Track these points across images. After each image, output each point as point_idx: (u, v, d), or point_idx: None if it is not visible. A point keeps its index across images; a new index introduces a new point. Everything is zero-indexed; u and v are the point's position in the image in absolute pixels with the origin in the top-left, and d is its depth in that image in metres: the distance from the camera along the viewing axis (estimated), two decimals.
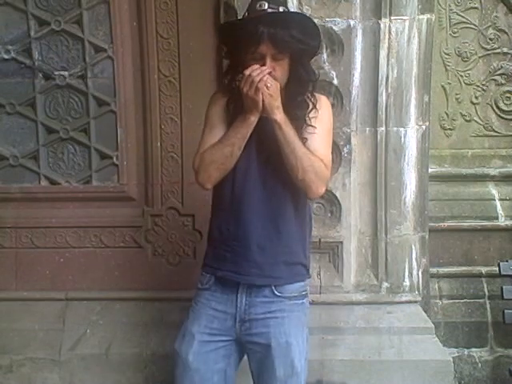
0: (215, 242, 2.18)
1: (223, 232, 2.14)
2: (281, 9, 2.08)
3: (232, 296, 2.12)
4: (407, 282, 2.97)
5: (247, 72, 1.98)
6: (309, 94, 2.14)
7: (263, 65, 2.01)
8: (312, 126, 2.10)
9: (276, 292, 2.11)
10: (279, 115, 2.02)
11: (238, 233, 2.11)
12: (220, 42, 2.17)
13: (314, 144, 2.09)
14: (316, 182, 2.07)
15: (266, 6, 2.05)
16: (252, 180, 2.10)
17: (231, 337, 2.13)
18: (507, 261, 3.09)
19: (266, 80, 1.97)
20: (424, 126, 2.96)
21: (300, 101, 2.11)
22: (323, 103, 2.18)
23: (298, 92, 2.12)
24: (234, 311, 2.11)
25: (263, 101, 1.98)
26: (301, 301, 2.17)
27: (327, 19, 2.77)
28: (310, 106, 2.13)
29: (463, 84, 3.52)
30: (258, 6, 2.06)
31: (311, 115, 2.12)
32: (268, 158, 2.10)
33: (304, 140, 2.07)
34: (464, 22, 3.48)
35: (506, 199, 3.53)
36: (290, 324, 2.12)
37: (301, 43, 2.03)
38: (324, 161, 2.10)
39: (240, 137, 2.05)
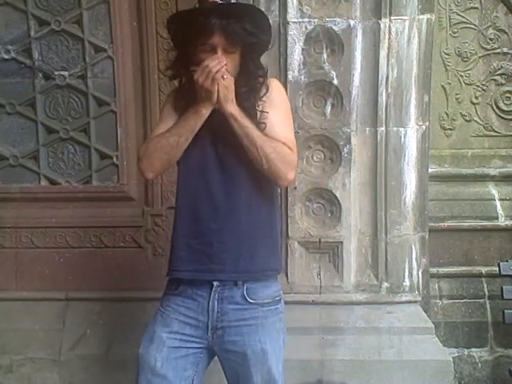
0: (175, 242, 2.10)
1: (180, 231, 2.08)
2: (232, 0, 2.02)
3: (204, 303, 2.05)
4: (407, 282, 2.97)
5: (205, 63, 1.93)
6: (259, 84, 2.06)
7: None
8: (266, 112, 2.03)
9: (248, 299, 2.04)
10: (233, 108, 1.96)
11: (196, 230, 2.04)
12: (169, 34, 2.09)
13: (274, 129, 2.01)
14: (283, 169, 1.99)
15: None
16: (208, 174, 2.03)
17: (203, 344, 2.07)
18: (507, 261, 3.09)
19: (224, 72, 1.93)
20: (424, 126, 2.96)
21: (247, 92, 2.04)
22: (274, 86, 2.10)
23: (246, 85, 2.04)
24: (206, 319, 2.04)
25: (218, 92, 1.93)
26: (274, 307, 2.10)
27: (327, 19, 2.77)
28: (262, 93, 2.05)
29: (463, 84, 3.52)
30: None
31: (264, 101, 2.04)
32: (226, 151, 2.02)
33: (263, 126, 2.00)
34: (464, 22, 3.47)
35: (506, 199, 3.52)
36: (265, 331, 2.06)
37: (253, 36, 1.98)
38: (288, 144, 2.01)
39: (189, 128, 1.98)
